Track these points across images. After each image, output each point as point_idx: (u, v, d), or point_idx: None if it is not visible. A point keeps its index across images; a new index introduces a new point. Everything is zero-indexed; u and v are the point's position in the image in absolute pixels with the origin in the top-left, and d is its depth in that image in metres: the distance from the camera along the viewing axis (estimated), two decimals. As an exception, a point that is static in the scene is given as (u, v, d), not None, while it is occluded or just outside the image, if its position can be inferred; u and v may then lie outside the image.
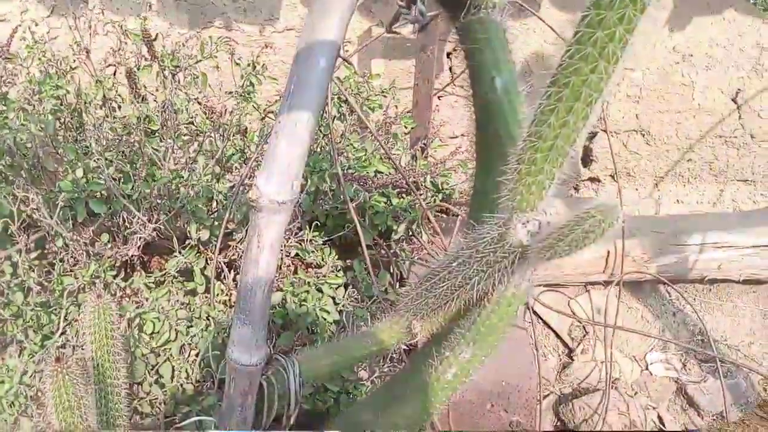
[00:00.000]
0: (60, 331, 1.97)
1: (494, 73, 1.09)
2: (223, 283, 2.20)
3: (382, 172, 2.08)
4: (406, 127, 2.28)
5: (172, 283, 2.11)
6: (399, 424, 1.30)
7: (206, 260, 2.20)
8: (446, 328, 1.34)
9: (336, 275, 1.90)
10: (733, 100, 2.97)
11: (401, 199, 2.06)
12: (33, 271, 1.92)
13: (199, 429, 1.81)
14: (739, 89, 2.94)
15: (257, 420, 1.64)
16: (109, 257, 1.94)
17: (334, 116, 2.00)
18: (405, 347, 2.09)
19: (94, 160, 1.79)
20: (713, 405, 2.69)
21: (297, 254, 2.00)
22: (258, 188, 1.24)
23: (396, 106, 2.29)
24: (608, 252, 2.63)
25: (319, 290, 1.92)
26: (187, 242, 2.15)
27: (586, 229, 0.83)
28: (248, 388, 1.53)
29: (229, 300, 2.19)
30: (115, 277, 2.07)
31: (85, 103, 1.98)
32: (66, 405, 1.41)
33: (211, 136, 1.89)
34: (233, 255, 2.19)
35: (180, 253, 2.10)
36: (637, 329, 2.83)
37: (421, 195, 2.01)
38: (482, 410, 2.04)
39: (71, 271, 2.05)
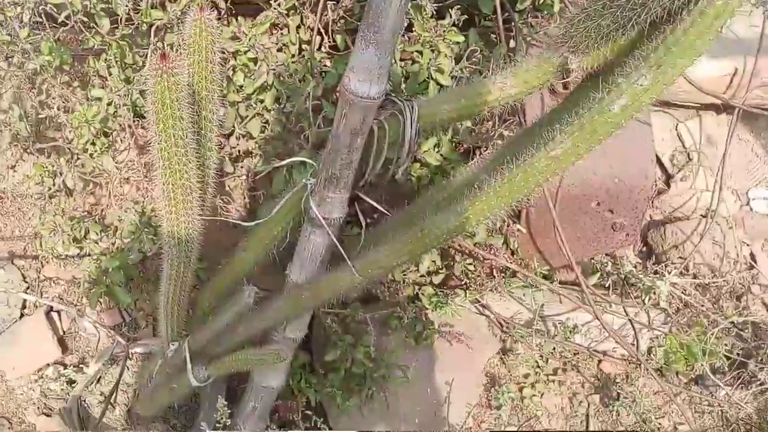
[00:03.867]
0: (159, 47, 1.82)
1: None
2: (320, 50, 2.02)
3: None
4: None
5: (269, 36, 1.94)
6: (540, 168, 1.15)
7: (302, 18, 2.01)
8: (612, 63, 1.15)
9: (456, 33, 1.69)
10: None
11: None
12: (122, -6, 1.76)
13: (293, 172, 1.70)
14: None
15: (361, 168, 1.52)
16: (203, -12, 1.76)
17: None
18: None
19: None
20: (812, 250, 2.53)
21: (408, 13, 1.79)
22: None
23: None
24: (735, 69, 2.36)
25: (434, 51, 1.72)
26: None
27: None
28: (360, 127, 1.38)
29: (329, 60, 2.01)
30: (207, 18, 1.90)
31: None
32: (169, 112, 1.28)
33: None
34: (335, 15, 1.98)
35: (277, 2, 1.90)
36: (744, 162, 2.62)
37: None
38: (586, 207, 1.91)
39: (160, 6, 1.88)
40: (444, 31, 1.70)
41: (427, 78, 1.71)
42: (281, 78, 1.76)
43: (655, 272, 2.25)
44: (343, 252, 1.56)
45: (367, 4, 1.19)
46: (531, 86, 1.24)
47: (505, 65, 1.28)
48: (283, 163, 1.61)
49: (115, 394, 2.26)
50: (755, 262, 2.50)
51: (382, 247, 1.50)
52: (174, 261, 1.67)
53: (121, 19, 1.76)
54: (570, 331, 2.19)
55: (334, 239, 1.57)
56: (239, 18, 1.87)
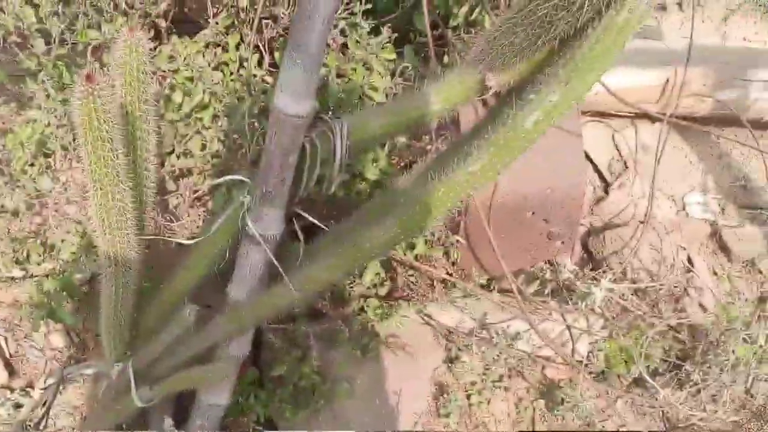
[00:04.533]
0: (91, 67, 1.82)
1: None
2: (259, 67, 2.04)
3: (445, -52, 1.87)
4: None
5: (204, 54, 1.96)
6: (461, 183, 1.19)
7: (241, 36, 2.03)
8: (526, 79, 1.20)
9: (389, 50, 1.73)
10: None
11: (465, -21, 1.86)
12: (56, 16, 1.75)
13: (232, 190, 1.71)
14: None
15: (296, 185, 1.54)
16: (137, 10, 1.77)
17: None
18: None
19: None
20: (746, 251, 2.62)
21: (343, 30, 1.82)
22: None
23: None
24: (666, 79, 2.46)
25: (368, 69, 1.76)
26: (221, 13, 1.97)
27: None
28: (291, 144, 1.40)
29: (267, 83, 2.03)
30: (143, 38, 1.91)
31: None
32: (97, 134, 1.28)
33: None
34: (273, 33, 2.01)
35: (215, 21, 1.92)
36: (678, 168, 2.71)
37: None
38: (522, 217, 1.96)
39: (96, 26, 1.89)
40: (378, 48, 1.74)
41: (362, 95, 1.75)
42: (219, 96, 1.78)
43: (594, 278, 2.32)
44: (280, 268, 1.57)
45: (292, 24, 1.22)
46: (453, 102, 1.28)
47: (432, 82, 1.32)
48: (219, 181, 1.62)
49: (45, 419, 2.23)
50: (692, 266, 2.58)
51: (317, 263, 1.52)
52: (112, 282, 1.67)
53: (55, 40, 1.76)
54: (512, 339, 2.23)
55: (271, 256, 1.58)
56: (175, 37, 1.88)
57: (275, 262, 1.58)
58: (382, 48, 1.75)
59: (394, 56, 1.77)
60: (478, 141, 1.17)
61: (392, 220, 1.32)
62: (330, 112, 1.94)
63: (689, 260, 2.60)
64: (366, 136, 1.41)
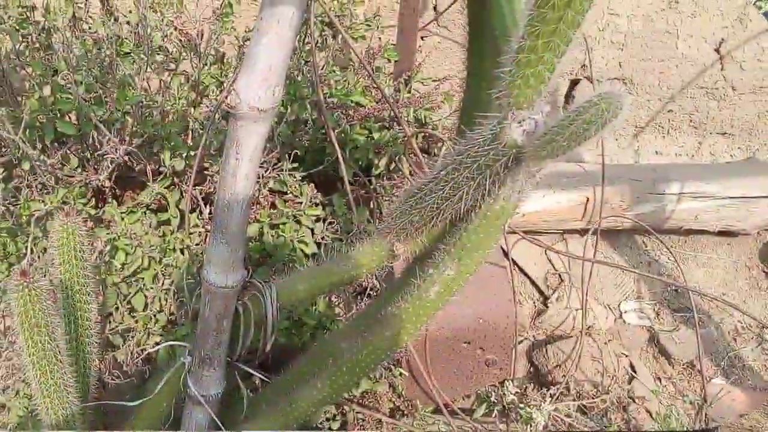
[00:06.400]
0: (27, 259, 1.90)
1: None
2: (200, 218, 2.14)
3: (363, 105, 2.03)
4: (389, 60, 2.22)
5: (145, 214, 2.05)
6: (380, 347, 1.27)
7: (181, 193, 2.14)
8: (429, 249, 1.31)
9: (315, 207, 1.86)
10: (716, 50, 2.96)
11: (383, 133, 2.01)
12: (-3, 195, 1.84)
13: (172, 356, 1.77)
14: (722, 39, 2.92)
15: (232, 346, 1.60)
16: (78, 181, 1.87)
17: (317, 41, 1.93)
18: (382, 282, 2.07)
19: (62, 76, 1.70)
20: (684, 354, 2.73)
21: (275, 185, 1.94)
22: (237, 94, 1.19)
23: (380, 38, 2.23)
24: (587, 199, 2.62)
25: (298, 222, 1.87)
26: (161, 173, 2.08)
27: (587, 119, 0.79)
28: (224, 311, 1.48)
29: (205, 234, 2.13)
30: (85, 205, 2.00)
31: (54, 21, 1.88)
32: (32, 322, 1.35)
33: (185, 58, 1.81)
34: (209, 189, 2.13)
35: (153, 181, 2.03)
36: (612, 277, 2.84)
37: (401, 128, 1.96)
38: (458, 347, 2.03)
39: (39, 197, 1.98)
40: (305, 206, 1.86)
41: (294, 248, 1.85)
42: (158, 259, 1.86)
43: (542, 396, 2.38)
44: (223, 429, 1.61)
45: (214, 209, 1.33)
46: (369, 268, 1.38)
47: (354, 242, 1.43)
48: (158, 348, 1.68)
49: None
50: (635, 372, 2.67)
51: (258, 422, 1.57)
52: (57, 451, 1.69)
53: (-4, 216, 1.84)
54: (467, 464, 2.26)
55: (214, 416, 1.62)
56: (115, 205, 1.97)
57: (218, 422, 1.63)
58: (309, 201, 1.87)
59: (319, 212, 1.89)
60: (390, 308, 1.26)
61: (323, 381, 1.39)
62: (267, 258, 2.04)
63: (632, 367, 2.69)
64: (294, 299, 1.49)
